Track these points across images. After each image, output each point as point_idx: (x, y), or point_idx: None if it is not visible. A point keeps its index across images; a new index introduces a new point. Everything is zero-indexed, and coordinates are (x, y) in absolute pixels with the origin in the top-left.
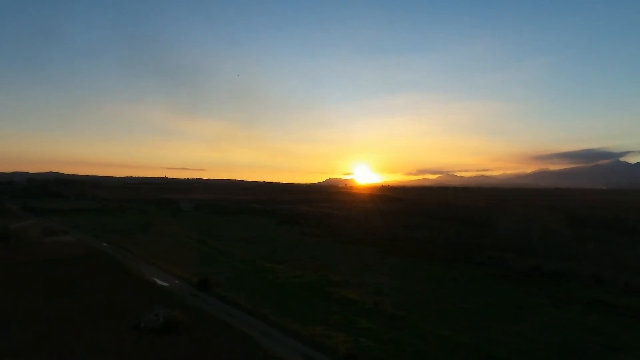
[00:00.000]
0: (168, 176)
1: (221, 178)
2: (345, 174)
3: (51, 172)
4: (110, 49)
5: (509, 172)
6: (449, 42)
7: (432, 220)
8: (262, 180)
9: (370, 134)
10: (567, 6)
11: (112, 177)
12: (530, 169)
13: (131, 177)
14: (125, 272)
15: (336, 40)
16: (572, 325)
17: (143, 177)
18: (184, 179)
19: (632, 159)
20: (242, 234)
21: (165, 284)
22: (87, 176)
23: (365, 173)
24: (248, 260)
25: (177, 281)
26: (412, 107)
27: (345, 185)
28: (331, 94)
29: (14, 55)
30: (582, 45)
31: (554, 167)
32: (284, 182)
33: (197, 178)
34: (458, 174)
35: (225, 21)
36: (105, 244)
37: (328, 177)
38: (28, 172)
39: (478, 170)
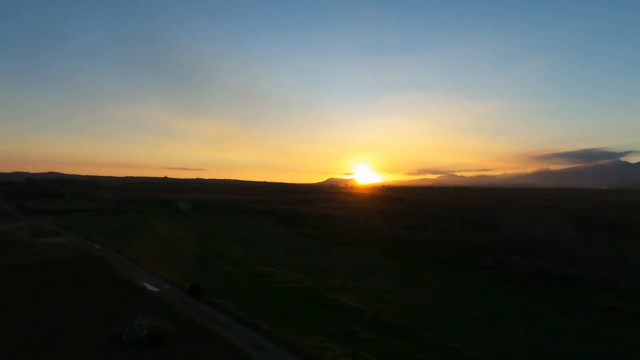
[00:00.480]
0: (168, 176)
1: (221, 178)
2: (345, 174)
3: (52, 173)
4: (111, 48)
5: (510, 172)
6: (449, 41)
7: (433, 220)
8: (263, 180)
9: (371, 134)
10: (567, 5)
11: (113, 177)
12: (530, 168)
13: (131, 177)
14: (113, 276)
15: (336, 40)
16: (588, 336)
17: (143, 177)
18: (185, 179)
19: (633, 159)
20: (239, 235)
21: (154, 289)
22: (87, 176)
23: (365, 173)
24: (243, 264)
25: (167, 286)
26: (413, 106)
27: (346, 185)
28: (331, 93)
29: (14, 55)
30: (582, 44)
31: (554, 167)
32: (284, 182)
33: (198, 178)
34: (458, 173)
35: (226, 20)
36: (97, 246)
37: (328, 177)
38: (28, 172)
39: (478, 170)
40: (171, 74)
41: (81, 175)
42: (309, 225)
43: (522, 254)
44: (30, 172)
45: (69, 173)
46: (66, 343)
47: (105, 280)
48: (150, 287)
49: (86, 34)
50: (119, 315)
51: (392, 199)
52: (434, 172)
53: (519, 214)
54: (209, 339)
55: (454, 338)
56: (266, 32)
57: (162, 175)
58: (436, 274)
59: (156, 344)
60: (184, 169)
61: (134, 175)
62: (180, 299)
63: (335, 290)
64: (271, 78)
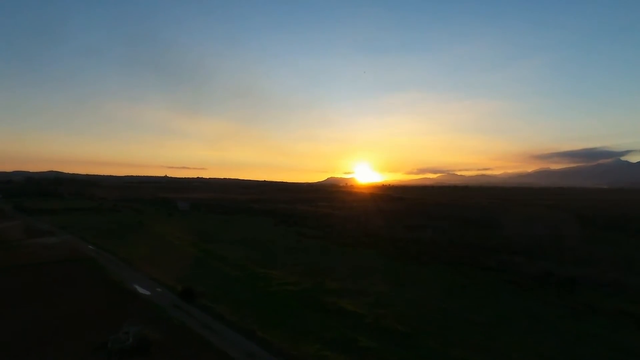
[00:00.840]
0: (169, 175)
1: (222, 177)
2: (346, 173)
3: (52, 171)
4: (111, 48)
5: (510, 171)
6: (450, 40)
7: (434, 220)
8: (263, 179)
9: (371, 133)
10: (567, 5)
11: (113, 176)
12: (531, 168)
13: (132, 176)
14: (104, 279)
15: (337, 39)
16: (601, 343)
17: (144, 176)
18: (185, 178)
19: (633, 158)
20: (238, 235)
21: (146, 292)
22: (87, 175)
23: (366, 172)
24: (240, 265)
25: (159, 289)
26: (413, 106)
27: (346, 184)
28: (332, 92)
29: (15, 54)
30: (583, 44)
31: (555, 166)
32: (284, 181)
33: (198, 177)
34: (459, 173)
35: (226, 19)
36: (90, 246)
37: (329, 176)
38: (28, 171)
39: (479, 170)
40: (171, 73)
41: (81, 174)
42: (309, 224)
43: (526, 255)
44: (30, 171)
45: (69, 172)
46: (44, 353)
47: (95, 282)
48: (141, 290)
49: (86, 34)
50: (104, 321)
51: (392, 198)
52: (434, 171)
53: (521, 213)
54: (200, 347)
55: (458, 345)
56: (266, 32)
57: (163, 175)
58: (438, 275)
59: (142, 354)
60: (184, 168)
61: (134, 175)
62: (172, 303)
63: (334, 293)
64: (271, 77)
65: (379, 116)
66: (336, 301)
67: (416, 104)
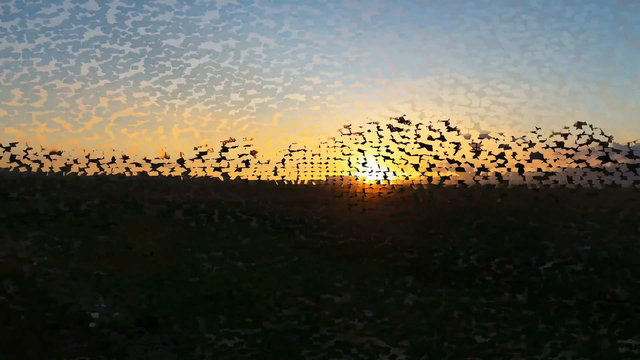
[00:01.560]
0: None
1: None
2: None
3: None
4: None
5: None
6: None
7: (452, 225)
8: (256, 178)
9: None
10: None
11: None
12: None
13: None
14: (45, 299)
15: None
16: None
17: (115, 175)
18: (166, 175)
19: None
20: (222, 243)
21: (96, 316)
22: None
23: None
24: (218, 282)
25: (116, 313)
26: None
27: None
28: None
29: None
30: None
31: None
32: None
33: (183, 173)
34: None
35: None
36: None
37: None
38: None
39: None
40: None
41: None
42: (305, 231)
43: (569, 269)
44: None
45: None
46: None
47: (31, 303)
48: (93, 315)
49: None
50: None
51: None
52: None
53: (553, 212)
54: None
55: None
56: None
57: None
58: (462, 298)
59: None
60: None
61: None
62: (127, 335)
63: (332, 321)
64: None
65: None
66: (334, 335)
67: None
